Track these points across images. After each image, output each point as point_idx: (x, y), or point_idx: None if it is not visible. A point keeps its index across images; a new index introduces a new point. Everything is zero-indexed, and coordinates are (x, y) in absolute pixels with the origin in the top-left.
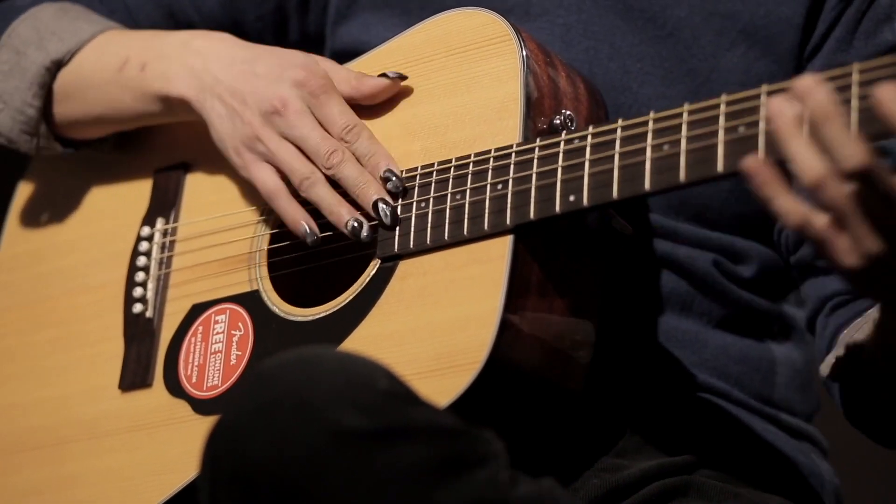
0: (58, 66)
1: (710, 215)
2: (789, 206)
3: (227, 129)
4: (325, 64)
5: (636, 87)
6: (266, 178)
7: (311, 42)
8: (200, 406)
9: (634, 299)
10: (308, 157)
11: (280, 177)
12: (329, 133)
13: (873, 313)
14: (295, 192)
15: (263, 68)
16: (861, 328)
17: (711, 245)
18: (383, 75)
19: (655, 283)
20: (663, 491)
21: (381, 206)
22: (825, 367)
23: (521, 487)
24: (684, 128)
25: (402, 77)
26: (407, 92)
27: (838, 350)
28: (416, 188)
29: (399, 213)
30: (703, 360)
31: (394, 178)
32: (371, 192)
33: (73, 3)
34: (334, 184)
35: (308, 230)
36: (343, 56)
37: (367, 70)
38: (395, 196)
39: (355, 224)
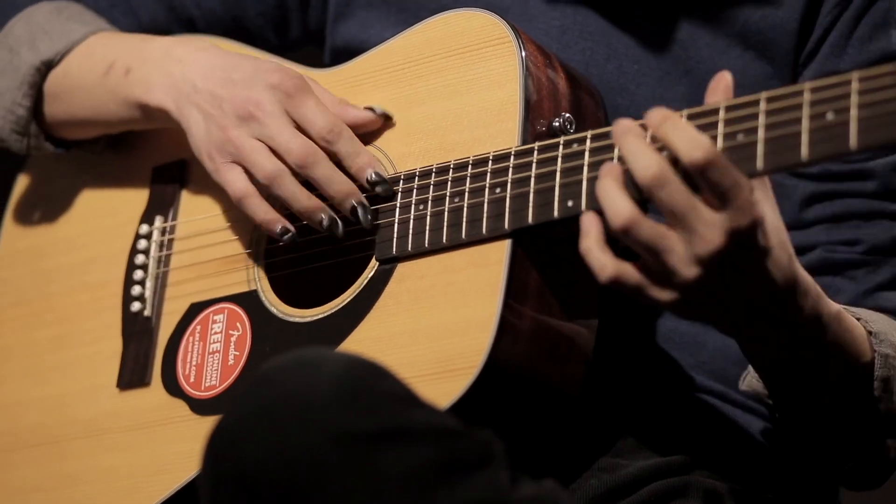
0: (48, 66)
1: None
2: (604, 261)
3: (202, 135)
4: (312, 85)
5: (633, 88)
6: (235, 180)
7: (313, 39)
8: (198, 406)
9: (632, 301)
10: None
11: (253, 180)
12: (309, 134)
13: None
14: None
15: (240, 74)
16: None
17: None
18: (370, 109)
19: None
20: (662, 491)
21: (359, 210)
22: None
23: (522, 489)
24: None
25: (388, 116)
26: (406, 93)
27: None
28: (415, 190)
29: (392, 215)
30: (700, 361)
31: (382, 182)
32: (347, 193)
33: (71, 2)
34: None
35: (282, 228)
36: (342, 54)
37: (367, 70)
38: (386, 199)
39: (328, 221)
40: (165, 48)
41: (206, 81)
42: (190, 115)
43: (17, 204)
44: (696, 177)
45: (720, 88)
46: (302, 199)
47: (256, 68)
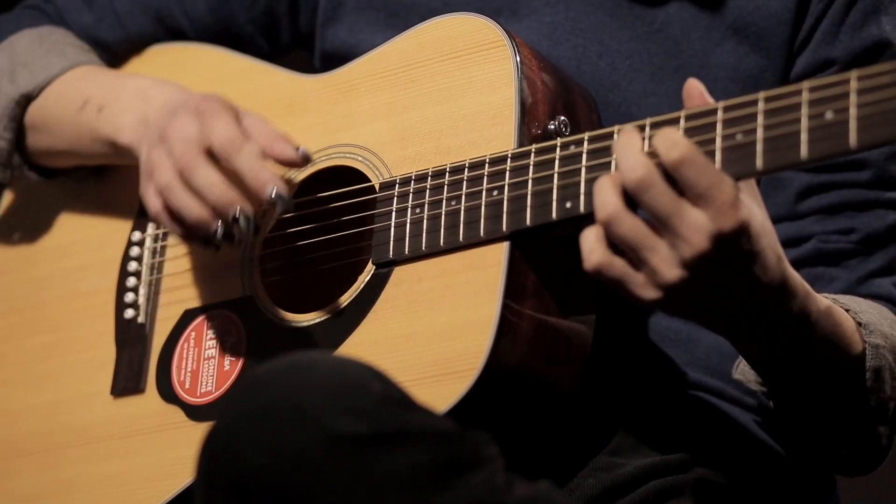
0: (28, 99)
1: None
2: (594, 246)
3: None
4: (249, 119)
5: (625, 84)
6: (150, 200)
7: (304, 44)
8: (194, 412)
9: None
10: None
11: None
12: (213, 146)
13: None
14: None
15: (174, 103)
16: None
17: None
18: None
19: None
20: (661, 490)
21: (240, 219)
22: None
23: (516, 490)
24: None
25: (308, 159)
26: (400, 97)
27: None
28: (411, 193)
29: (389, 218)
30: (695, 358)
31: (283, 201)
32: (228, 202)
33: (55, 28)
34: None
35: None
36: (332, 59)
37: (361, 74)
38: (383, 203)
39: (221, 230)
40: (141, 88)
41: (156, 115)
42: (141, 151)
43: (8, 212)
44: (674, 176)
45: (695, 95)
46: (194, 209)
47: (188, 98)
